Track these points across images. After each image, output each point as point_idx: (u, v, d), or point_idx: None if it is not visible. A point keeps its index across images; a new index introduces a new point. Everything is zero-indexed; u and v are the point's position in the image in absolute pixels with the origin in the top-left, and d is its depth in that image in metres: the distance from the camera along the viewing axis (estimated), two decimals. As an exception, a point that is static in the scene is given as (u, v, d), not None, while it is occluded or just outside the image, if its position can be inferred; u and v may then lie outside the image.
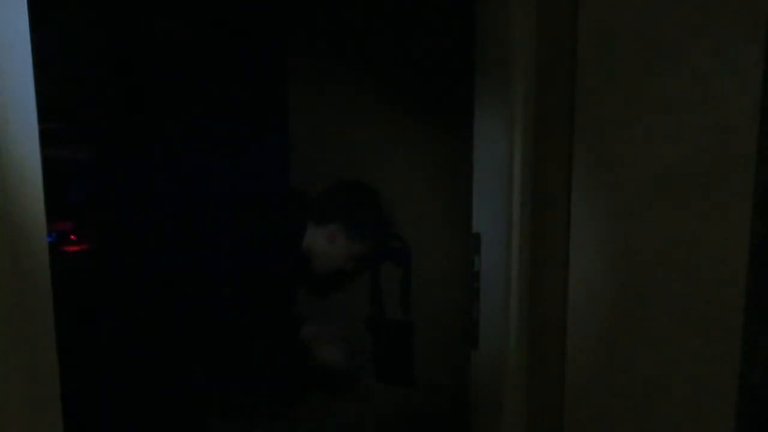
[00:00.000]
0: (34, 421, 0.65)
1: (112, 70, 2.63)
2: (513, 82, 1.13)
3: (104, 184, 2.92)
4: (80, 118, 2.76)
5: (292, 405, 2.11)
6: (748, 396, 0.96)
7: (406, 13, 1.77)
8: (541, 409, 1.22)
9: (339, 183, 1.78)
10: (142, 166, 2.75)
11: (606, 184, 1.09)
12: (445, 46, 1.69)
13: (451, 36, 1.67)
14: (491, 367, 1.23)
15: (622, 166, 1.06)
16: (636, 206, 1.06)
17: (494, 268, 1.21)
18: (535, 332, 1.20)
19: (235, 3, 2.45)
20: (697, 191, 0.98)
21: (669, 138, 1.01)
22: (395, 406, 1.96)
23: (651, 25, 1.01)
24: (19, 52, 0.62)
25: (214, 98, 2.62)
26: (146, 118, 2.74)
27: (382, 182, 1.83)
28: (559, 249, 1.16)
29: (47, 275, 0.66)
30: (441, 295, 1.81)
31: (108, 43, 2.55)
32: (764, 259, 0.94)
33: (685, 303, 1.01)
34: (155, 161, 2.74)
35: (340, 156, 1.94)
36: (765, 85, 0.90)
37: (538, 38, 1.12)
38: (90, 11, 2.41)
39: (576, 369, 1.17)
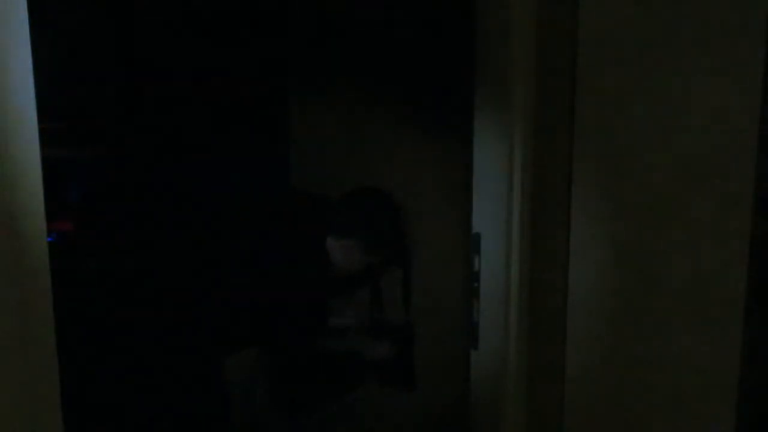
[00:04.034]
0: (34, 421, 0.65)
1: (113, 70, 2.63)
2: (513, 83, 1.13)
3: (104, 184, 2.91)
4: (80, 118, 2.75)
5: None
6: (748, 396, 0.96)
7: (407, 14, 1.77)
8: (541, 409, 1.22)
9: (356, 192, 1.73)
10: (143, 166, 2.75)
11: (606, 183, 1.09)
12: (445, 47, 1.69)
13: (452, 37, 1.67)
14: (491, 367, 1.23)
15: (622, 166, 1.06)
16: (636, 206, 1.06)
17: (494, 268, 1.21)
18: (535, 332, 1.20)
19: (236, 3, 2.45)
20: (697, 191, 0.98)
21: (669, 137, 1.01)
22: (396, 407, 1.95)
23: (651, 25, 1.01)
24: (19, 52, 0.62)
25: (215, 98, 2.62)
26: (147, 118, 2.74)
27: (381, 182, 1.83)
28: (559, 249, 1.16)
29: (47, 275, 0.66)
30: (441, 295, 1.81)
31: (108, 43, 2.55)
32: (764, 258, 0.94)
33: (685, 303, 1.01)
34: (155, 161, 2.74)
35: (340, 157, 1.94)
36: (765, 85, 0.90)
37: (538, 39, 1.12)
38: (90, 10, 2.41)
39: (576, 369, 1.17)
